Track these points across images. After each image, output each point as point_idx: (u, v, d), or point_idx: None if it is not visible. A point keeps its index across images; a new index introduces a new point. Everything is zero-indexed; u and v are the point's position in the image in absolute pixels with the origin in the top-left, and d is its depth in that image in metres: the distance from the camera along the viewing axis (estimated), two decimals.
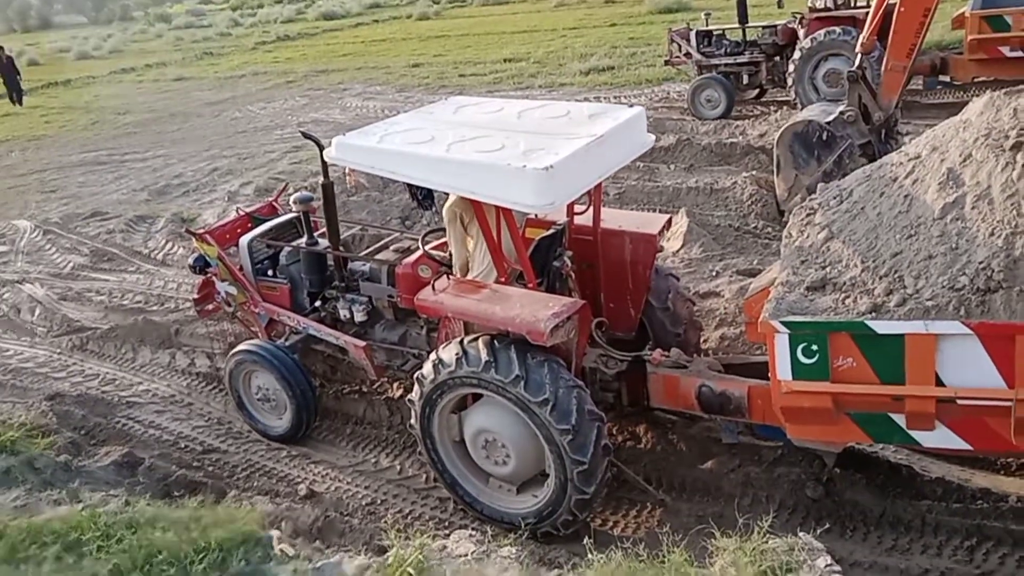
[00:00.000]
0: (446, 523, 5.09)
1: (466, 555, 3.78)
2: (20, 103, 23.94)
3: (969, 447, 3.89)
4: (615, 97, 16.34)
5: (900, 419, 3.87)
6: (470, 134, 4.79)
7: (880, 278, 3.97)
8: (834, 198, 4.68)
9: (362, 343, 5.85)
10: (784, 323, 3.89)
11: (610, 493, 5.09)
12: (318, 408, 6.20)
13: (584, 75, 18.71)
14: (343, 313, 6.08)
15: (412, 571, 3.57)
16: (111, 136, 18.84)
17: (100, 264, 10.26)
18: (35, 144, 19.00)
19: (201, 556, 3.96)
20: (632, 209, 9.67)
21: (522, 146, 4.49)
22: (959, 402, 3.69)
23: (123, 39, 44.67)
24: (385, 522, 4.98)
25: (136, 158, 16.17)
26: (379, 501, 5.44)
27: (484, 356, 4.48)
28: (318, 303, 6.34)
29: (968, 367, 3.62)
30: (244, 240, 6.55)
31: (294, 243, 6.47)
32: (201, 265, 6.74)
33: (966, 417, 3.75)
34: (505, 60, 21.95)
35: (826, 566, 3.22)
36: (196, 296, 6.95)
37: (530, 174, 4.15)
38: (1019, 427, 3.63)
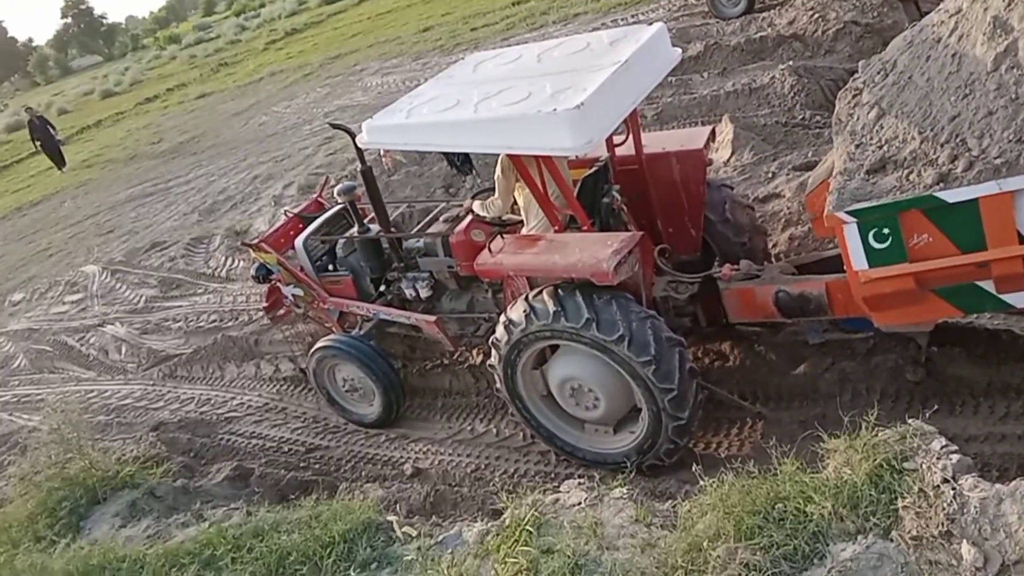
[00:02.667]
0: (552, 475, 5.17)
1: (580, 503, 3.82)
2: (64, 165, 22.83)
3: None
4: (632, 16, 15.88)
5: (988, 285, 3.71)
6: (494, 89, 4.67)
7: (941, 146, 3.75)
8: (878, 73, 4.43)
9: (432, 318, 5.89)
10: (850, 212, 3.74)
11: (708, 416, 5.08)
12: (405, 388, 6.31)
13: (596, 0, 18.23)
14: (408, 292, 6.11)
15: (531, 528, 3.63)
16: (151, 166, 19.23)
17: (170, 292, 10.57)
18: (83, 190, 19.55)
19: (328, 551, 4.10)
20: (673, 127, 9.47)
21: (549, 89, 4.35)
22: None
23: (140, 69, 45.38)
24: (493, 485, 5.09)
25: (180, 182, 16.50)
26: (483, 466, 5.54)
27: (552, 307, 4.48)
28: (383, 288, 6.40)
29: None
30: (299, 241, 6.63)
31: (347, 234, 6.52)
32: (264, 274, 6.85)
33: None
34: (514, 3, 21.52)
35: (942, 447, 3.15)
36: (265, 304, 7.11)
37: (562, 116, 4.03)
38: None
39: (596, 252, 4.34)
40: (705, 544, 3.15)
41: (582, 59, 4.76)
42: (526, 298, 4.68)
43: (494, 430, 5.83)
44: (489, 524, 4.01)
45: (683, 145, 5.38)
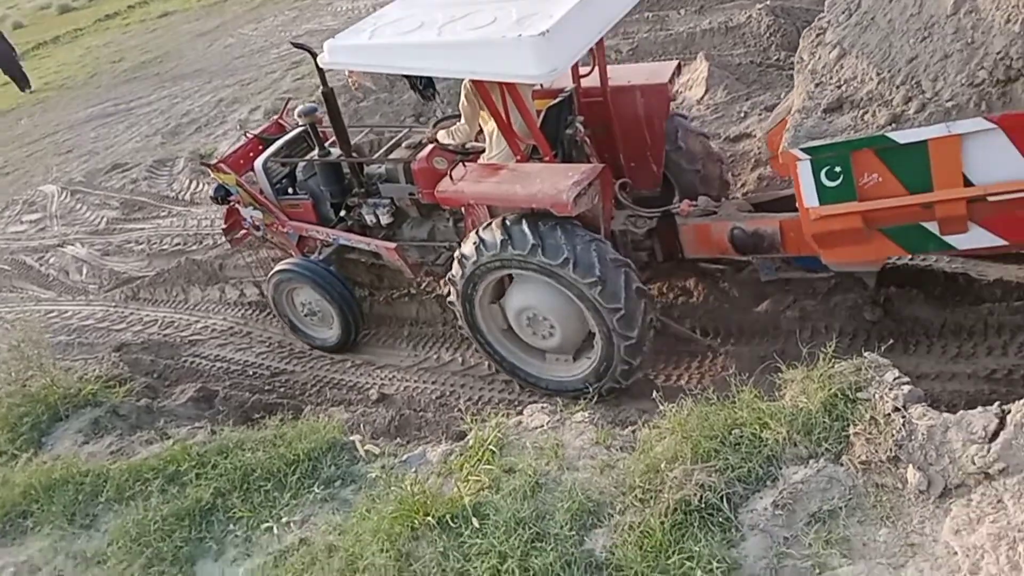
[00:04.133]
0: (516, 403, 5.25)
1: (542, 426, 3.90)
2: (29, 87, 20.95)
3: (1005, 242, 3.83)
4: None
5: (933, 226, 3.82)
6: (459, 12, 4.58)
7: (897, 87, 3.81)
8: (843, 13, 4.45)
9: (392, 245, 5.88)
10: (804, 149, 3.80)
11: (669, 349, 5.20)
12: (363, 311, 6.34)
13: None
14: (369, 219, 6.07)
15: (494, 448, 3.70)
16: (112, 85, 18.61)
17: (132, 215, 10.35)
18: (40, 108, 18.89)
19: (293, 468, 4.16)
20: (648, 62, 9.38)
21: (514, 15, 4.29)
22: (990, 199, 3.60)
23: None
24: (458, 411, 5.16)
25: (141, 103, 16.00)
26: (448, 393, 5.61)
27: (499, 237, 4.57)
28: (343, 213, 6.33)
29: (996, 162, 3.50)
30: (258, 163, 6.50)
31: (307, 157, 6.41)
32: (223, 195, 6.75)
33: (999, 214, 3.67)
34: None
35: (895, 379, 3.25)
36: (224, 226, 7.00)
37: (527, 42, 3.98)
38: None
39: (557, 183, 4.38)
40: (663, 466, 3.24)
41: None
42: (476, 231, 4.73)
43: (459, 359, 5.89)
44: (453, 445, 4.08)
45: (648, 79, 5.40)
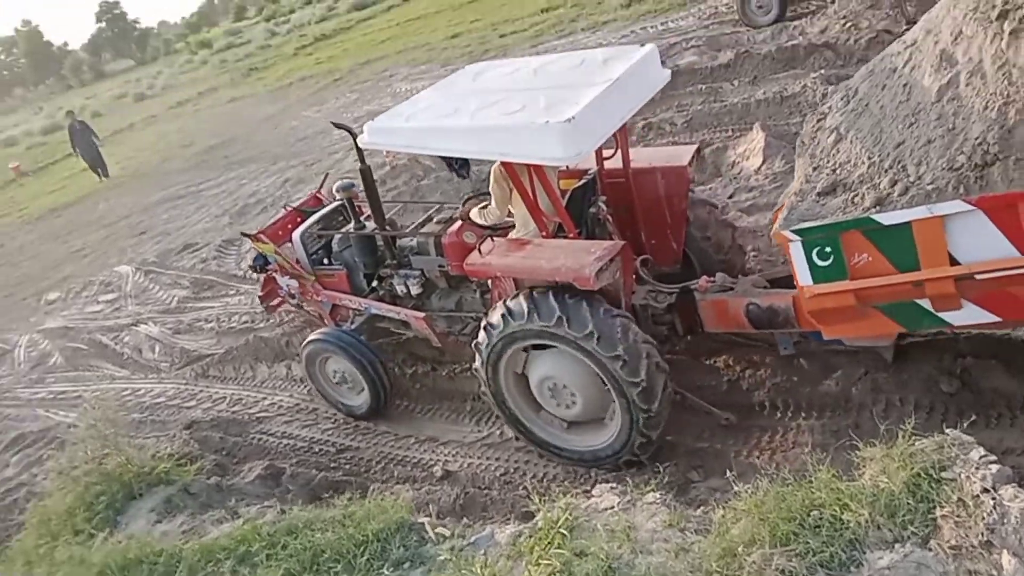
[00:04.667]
0: (582, 479, 5.19)
1: (612, 507, 3.84)
2: (106, 174, 21.82)
3: (999, 319, 3.86)
4: (661, 24, 15.88)
5: (926, 303, 3.90)
6: (491, 99, 4.91)
7: (885, 171, 3.97)
8: (841, 99, 4.63)
9: (421, 314, 6.10)
10: (795, 231, 4.00)
11: (739, 424, 5.10)
12: (392, 379, 6.53)
13: (625, 7, 18.23)
14: (400, 289, 6.35)
15: (564, 531, 3.65)
16: (182, 169, 19.51)
17: (202, 293, 10.71)
18: (116, 192, 19.87)
19: (362, 549, 4.14)
20: (703, 135, 9.48)
21: (542, 102, 4.58)
22: (977, 277, 3.67)
23: (172, 73, 46.06)
24: (523, 489, 5.11)
25: (211, 185, 16.71)
26: (512, 470, 5.56)
27: (526, 308, 4.73)
28: (375, 283, 6.62)
29: (979, 242, 3.62)
30: (296, 234, 6.85)
31: (343, 230, 6.75)
32: (261, 264, 7.16)
33: (989, 291, 3.73)
34: (543, 11, 21.58)
35: (981, 458, 3.14)
36: (261, 294, 7.39)
37: (554, 128, 4.23)
38: None
39: (580, 258, 4.55)
40: (740, 550, 3.15)
41: (576, 75, 4.99)
42: (504, 302, 4.88)
43: None
44: (521, 526, 4.04)
45: (668, 162, 5.61)
